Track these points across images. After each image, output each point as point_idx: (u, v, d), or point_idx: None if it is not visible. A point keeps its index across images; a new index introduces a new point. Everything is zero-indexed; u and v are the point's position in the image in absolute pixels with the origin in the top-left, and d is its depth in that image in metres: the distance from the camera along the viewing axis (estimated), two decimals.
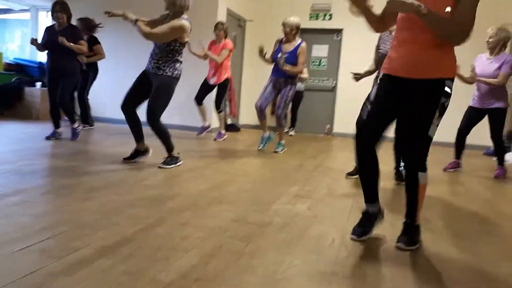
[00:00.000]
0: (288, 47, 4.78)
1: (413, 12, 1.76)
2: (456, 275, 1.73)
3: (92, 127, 6.17)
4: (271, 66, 4.98)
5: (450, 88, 1.92)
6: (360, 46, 7.52)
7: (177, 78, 3.55)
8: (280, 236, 2.04)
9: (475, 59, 4.31)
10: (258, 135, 6.84)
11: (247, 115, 8.42)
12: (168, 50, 3.45)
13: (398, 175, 3.59)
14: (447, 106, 1.93)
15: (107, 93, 7.29)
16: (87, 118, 6.11)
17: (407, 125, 1.96)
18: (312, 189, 3.13)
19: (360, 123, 2.17)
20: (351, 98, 7.71)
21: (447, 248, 2.05)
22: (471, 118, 4.33)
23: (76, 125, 4.87)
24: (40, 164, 3.35)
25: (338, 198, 2.91)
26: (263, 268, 1.65)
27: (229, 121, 7.52)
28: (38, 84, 7.07)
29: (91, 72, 5.91)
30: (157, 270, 1.57)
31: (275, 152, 4.90)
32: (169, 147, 3.64)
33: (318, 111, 7.96)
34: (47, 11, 8.02)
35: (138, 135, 3.67)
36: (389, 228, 2.28)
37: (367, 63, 6.05)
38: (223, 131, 5.93)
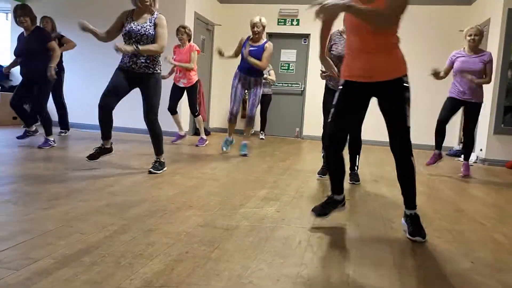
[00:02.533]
0: (256, 44, 4.86)
1: (342, 11, 1.99)
2: (416, 272, 1.79)
3: (68, 132, 5.98)
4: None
5: (407, 82, 2.18)
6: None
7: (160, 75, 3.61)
8: (247, 239, 2.05)
9: (452, 56, 4.50)
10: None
11: (217, 119, 8.41)
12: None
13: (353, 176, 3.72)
14: (409, 97, 2.18)
15: (74, 98, 7.11)
16: (66, 124, 5.90)
17: (392, 121, 2.20)
18: (281, 192, 3.15)
19: (327, 126, 2.35)
20: (320, 102, 7.83)
21: (409, 246, 2.11)
22: (451, 108, 4.46)
23: (51, 138, 4.72)
24: (1, 172, 3.23)
25: (306, 200, 2.95)
26: (229, 272, 1.65)
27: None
28: None
29: (62, 72, 5.72)
30: (122, 278, 1.54)
31: (245, 155, 4.91)
32: (159, 150, 3.63)
33: (288, 114, 8.04)
34: (6, 13, 7.75)
35: (108, 133, 3.63)
36: (354, 229, 2.33)
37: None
38: (204, 137, 5.87)
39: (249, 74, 4.83)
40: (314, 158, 5.26)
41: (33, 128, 4.79)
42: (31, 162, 3.73)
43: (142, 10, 3.48)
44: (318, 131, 7.86)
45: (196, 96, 5.76)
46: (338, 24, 2.95)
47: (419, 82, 7.35)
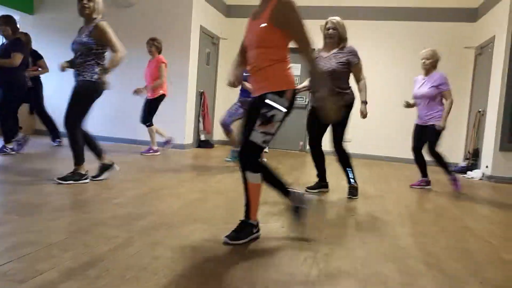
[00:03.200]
0: None
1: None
2: None
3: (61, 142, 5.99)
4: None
5: (274, 100, 2.14)
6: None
7: (98, 83, 3.44)
8: (253, 255, 2.03)
9: (414, 81, 4.60)
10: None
11: (221, 131, 8.41)
12: (85, 54, 3.41)
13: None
14: (272, 117, 2.13)
15: None
16: (57, 133, 5.92)
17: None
18: (286, 207, 3.13)
19: None
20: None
21: (416, 265, 2.08)
22: (416, 134, 4.56)
23: (9, 145, 4.75)
24: (3, 183, 3.23)
25: (311, 216, 2.92)
26: None
27: (202, 137, 7.49)
28: None
29: (39, 85, 5.78)
30: None
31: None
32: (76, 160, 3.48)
33: (291, 128, 8.04)
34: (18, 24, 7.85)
35: (97, 151, 3.62)
36: (361, 246, 2.30)
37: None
38: (155, 147, 5.78)
39: (248, 96, 5.01)
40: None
41: (10, 145, 4.80)
42: (34, 173, 3.73)
43: (84, 21, 3.52)
44: (322, 145, 7.90)
45: (155, 109, 5.70)
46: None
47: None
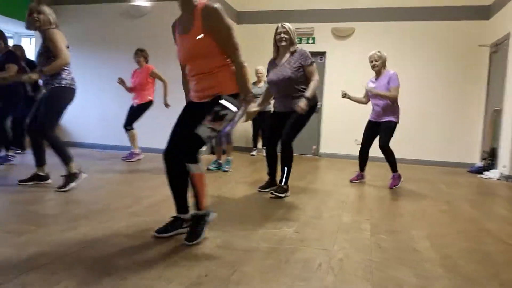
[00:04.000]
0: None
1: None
2: None
3: (24, 152, 6.01)
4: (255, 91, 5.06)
5: (229, 101, 2.23)
6: (342, 68, 7.68)
7: (68, 88, 3.59)
8: (267, 262, 2.02)
9: (367, 84, 4.70)
10: (242, 158, 6.85)
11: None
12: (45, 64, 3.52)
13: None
14: (224, 115, 2.21)
15: (91, 119, 7.26)
16: (22, 142, 5.93)
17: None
18: (299, 212, 3.12)
19: None
20: (336, 119, 7.81)
21: (433, 268, 2.05)
22: (369, 131, 4.68)
23: (10, 152, 4.91)
24: (19, 193, 3.29)
25: (325, 220, 2.91)
26: None
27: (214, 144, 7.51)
28: None
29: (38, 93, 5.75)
30: None
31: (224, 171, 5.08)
32: (39, 161, 3.70)
33: (304, 132, 7.99)
34: (30, 38, 8.03)
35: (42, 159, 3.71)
36: (376, 249, 2.28)
37: (350, 84, 6.17)
38: (136, 151, 5.83)
39: None
40: (332, 177, 5.21)
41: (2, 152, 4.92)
42: (48, 183, 3.79)
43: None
44: (336, 149, 7.87)
45: (139, 115, 5.76)
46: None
47: (437, 98, 7.28)
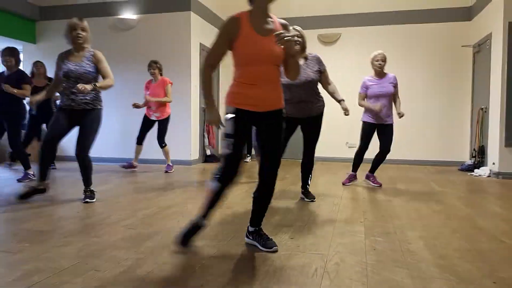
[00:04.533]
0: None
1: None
2: None
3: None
4: None
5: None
6: (330, 73, 7.72)
7: (102, 109, 3.74)
8: (263, 268, 2.03)
9: (363, 82, 4.72)
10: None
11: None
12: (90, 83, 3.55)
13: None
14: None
15: None
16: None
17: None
18: (294, 218, 3.13)
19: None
20: (327, 123, 7.84)
21: (428, 269, 2.07)
22: (372, 133, 4.74)
23: (30, 171, 4.91)
24: (14, 210, 3.26)
25: (320, 225, 2.92)
26: None
27: (208, 152, 7.52)
28: None
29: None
30: None
31: None
32: (89, 181, 3.73)
33: (297, 136, 8.04)
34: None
35: (45, 175, 3.68)
36: (371, 252, 2.29)
37: (347, 90, 6.21)
38: (171, 164, 5.98)
39: None
40: (325, 180, 5.23)
41: (30, 171, 4.97)
42: (41, 199, 3.76)
43: (76, 49, 3.63)
44: (328, 152, 7.89)
45: (165, 129, 5.84)
46: None
47: (424, 99, 7.36)
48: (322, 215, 3.24)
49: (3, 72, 4.91)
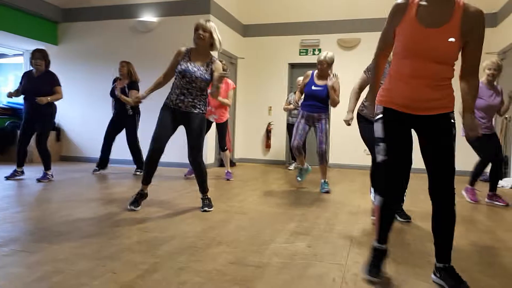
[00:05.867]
0: (322, 82, 4.81)
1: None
2: None
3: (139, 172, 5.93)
4: (261, 103, 5.01)
5: (454, 119, 1.98)
6: (348, 78, 7.66)
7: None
8: (280, 277, 2.00)
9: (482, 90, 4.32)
10: (254, 169, 6.84)
11: (242, 149, 8.46)
12: (202, 88, 3.48)
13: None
14: (455, 135, 1.98)
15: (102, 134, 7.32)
16: (141, 163, 5.84)
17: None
18: (311, 225, 3.09)
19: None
20: (345, 129, 7.78)
21: None
22: (493, 143, 4.39)
23: (49, 172, 4.96)
24: (33, 210, 3.31)
25: (337, 234, 2.88)
26: None
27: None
28: None
29: (137, 115, 5.81)
30: None
31: (327, 192, 4.71)
32: (205, 188, 3.62)
33: (312, 143, 8.00)
34: None
35: (150, 178, 3.56)
36: (391, 263, 2.25)
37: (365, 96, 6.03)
38: (230, 170, 5.84)
39: (312, 111, 4.77)
40: (343, 188, 5.18)
41: (22, 169, 5.03)
42: (61, 200, 3.81)
43: (199, 50, 3.48)
44: (345, 159, 7.82)
45: (225, 131, 5.72)
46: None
47: None
48: (340, 224, 3.20)
49: (31, 72, 4.92)
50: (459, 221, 3.39)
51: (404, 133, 1.98)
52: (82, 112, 7.50)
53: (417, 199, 4.49)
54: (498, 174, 4.37)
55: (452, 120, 1.94)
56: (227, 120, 5.70)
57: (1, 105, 7.46)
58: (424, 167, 2.03)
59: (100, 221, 3.03)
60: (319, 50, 7.90)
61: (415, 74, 1.89)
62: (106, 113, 7.26)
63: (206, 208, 3.50)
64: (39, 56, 4.81)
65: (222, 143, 5.70)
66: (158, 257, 2.24)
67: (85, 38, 7.51)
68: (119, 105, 5.70)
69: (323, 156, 4.75)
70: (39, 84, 4.80)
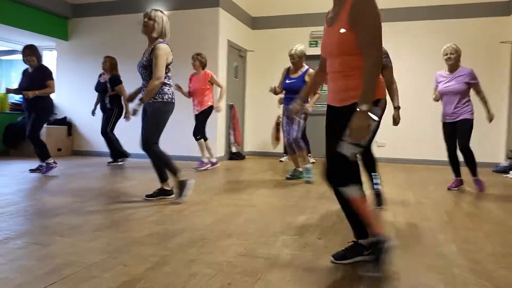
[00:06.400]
0: (295, 74, 4.88)
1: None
2: None
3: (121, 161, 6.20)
4: (270, 96, 4.99)
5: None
6: None
7: (169, 102, 3.52)
8: (290, 269, 2.00)
9: (435, 77, 4.48)
10: (263, 163, 6.83)
11: (251, 143, 8.45)
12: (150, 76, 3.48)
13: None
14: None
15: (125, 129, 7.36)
16: (119, 152, 6.10)
17: None
18: (321, 218, 3.08)
19: None
20: None
21: (462, 274, 1.99)
22: (449, 133, 4.42)
23: (50, 160, 5.01)
24: (45, 204, 3.35)
25: (347, 226, 2.85)
26: None
27: (233, 149, 7.53)
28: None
29: (116, 109, 6.03)
30: None
31: (307, 182, 4.76)
32: (161, 178, 3.65)
33: (322, 135, 7.95)
34: (51, 50, 8.21)
35: (163, 174, 3.66)
36: (402, 256, 2.23)
37: None
38: (205, 161, 5.85)
39: (289, 104, 4.79)
40: None
41: (50, 159, 5.08)
42: (73, 194, 3.85)
43: (147, 38, 3.54)
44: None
45: (204, 121, 5.77)
46: None
47: None
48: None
49: (27, 69, 5.05)
50: (472, 213, 3.35)
51: (328, 126, 2.11)
52: (92, 107, 7.55)
53: (427, 190, 4.44)
54: (466, 160, 4.38)
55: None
56: (209, 108, 5.73)
57: (14, 101, 7.55)
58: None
59: (110, 214, 3.05)
60: None
61: (330, 70, 2.04)
62: None
63: (147, 196, 3.60)
64: (29, 53, 4.89)
65: (197, 131, 5.71)
66: (169, 250, 2.25)
67: (95, 33, 7.55)
68: (100, 98, 6.02)
69: (291, 146, 4.85)
70: (32, 79, 4.89)
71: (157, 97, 3.47)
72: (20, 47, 8.20)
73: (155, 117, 3.47)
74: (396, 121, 3.60)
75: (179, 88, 5.66)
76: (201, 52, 5.87)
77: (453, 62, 4.26)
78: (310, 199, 3.77)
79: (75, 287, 1.73)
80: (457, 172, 4.51)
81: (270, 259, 2.13)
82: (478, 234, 2.72)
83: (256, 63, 8.29)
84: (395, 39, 7.31)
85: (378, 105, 1.94)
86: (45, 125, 6.92)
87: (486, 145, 7.03)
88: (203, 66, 5.78)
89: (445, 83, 4.32)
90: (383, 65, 3.41)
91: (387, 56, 3.42)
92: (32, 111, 4.92)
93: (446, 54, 4.27)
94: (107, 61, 5.96)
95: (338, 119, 1.98)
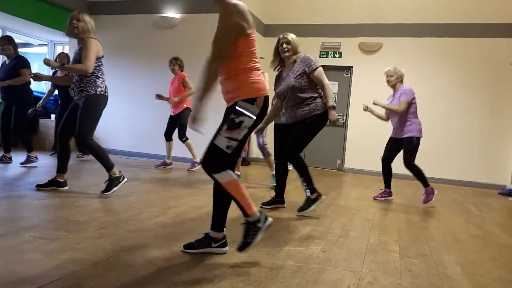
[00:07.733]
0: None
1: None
2: None
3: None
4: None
5: (243, 107, 2.12)
6: (369, 83, 7.60)
7: (102, 95, 3.67)
8: (294, 281, 1.99)
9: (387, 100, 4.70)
10: (267, 170, 6.82)
11: (256, 149, 8.46)
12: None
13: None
14: (240, 123, 2.11)
15: (121, 126, 7.39)
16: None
17: None
18: (326, 230, 3.07)
19: None
20: (361, 134, 7.72)
21: None
22: (390, 146, 4.66)
23: (32, 154, 5.05)
24: (52, 199, 3.36)
25: (353, 240, 2.85)
26: None
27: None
28: (53, 116, 7.22)
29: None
30: None
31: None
32: (106, 168, 3.69)
33: (328, 146, 7.95)
34: (63, 45, 8.28)
35: (63, 167, 3.75)
36: (406, 274, 2.22)
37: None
38: (197, 160, 5.92)
39: None
40: (358, 193, 5.13)
41: (10, 155, 5.16)
42: (81, 189, 3.86)
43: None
44: (361, 164, 7.75)
45: (183, 123, 5.78)
46: None
47: (465, 116, 7.10)
48: (355, 230, 3.17)
49: (5, 62, 5.10)
50: (477, 235, 3.33)
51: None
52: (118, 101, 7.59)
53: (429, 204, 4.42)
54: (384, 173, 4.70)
55: (238, 108, 2.12)
56: (187, 110, 5.77)
57: None
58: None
59: (116, 213, 3.06)
60: (340, 53, 7.85)
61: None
62: (128, 105, 7.35)
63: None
64: (5, 42, 4.94)
65: (180, 134, 5.79)
66: (174, 253, 2.25)
67: (109, 31, 7.60)
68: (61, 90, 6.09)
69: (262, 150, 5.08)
70: (9, 69, 4.92)
71: (89, 90, 3.60)
72: (34, 41, 8.30)
73: (88, 111, 3.59)
74: (331, 120, 3.47)
75: (160, 97, 5.78)
76: (179, 57, 5.97)
77: (391, 84, 4.54)
78: (314, 211, 3.76)
79: (80, 284, 1.73)
80: (387, 184, 4.72)
81: (274, 270, 2.13)
82: (483, 257, 2.70)
83: (266, 70, 8.29)
84: (403, 55, 7.31)
85: (254, 104, 2.12)
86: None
87: (492, 166, 7.00)
88: (181, 69, 5.92)
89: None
90: (305, 72, 3.47)
91: (309, 62, 3.49)
92: (10, 103, 4.96)
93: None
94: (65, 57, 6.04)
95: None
